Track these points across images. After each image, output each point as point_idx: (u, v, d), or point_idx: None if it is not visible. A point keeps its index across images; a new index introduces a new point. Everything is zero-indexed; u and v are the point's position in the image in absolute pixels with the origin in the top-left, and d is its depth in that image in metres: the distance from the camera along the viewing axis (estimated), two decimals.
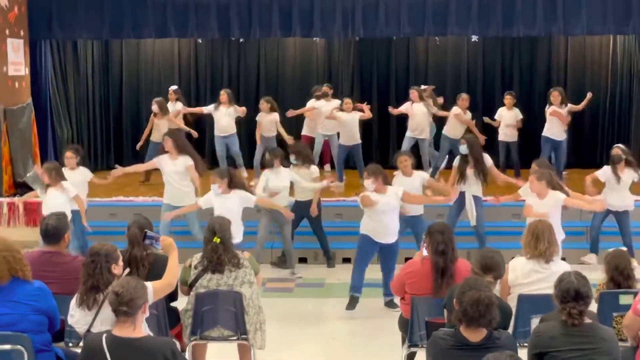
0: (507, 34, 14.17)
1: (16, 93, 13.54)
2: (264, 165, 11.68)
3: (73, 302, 5.48)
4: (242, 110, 13.96)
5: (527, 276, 6.55)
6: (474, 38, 15.23)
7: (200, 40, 16.70)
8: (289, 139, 13.85)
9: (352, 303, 9.36)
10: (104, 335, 4.80)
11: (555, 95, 13.86)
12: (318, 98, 14.74)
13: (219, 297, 6.55)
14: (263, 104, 14.06)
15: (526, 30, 13.85)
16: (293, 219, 10.72)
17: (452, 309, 5.02)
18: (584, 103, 14.42)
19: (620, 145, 11.64)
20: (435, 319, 6.23)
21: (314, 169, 11.26)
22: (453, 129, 13.91)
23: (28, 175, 13.25)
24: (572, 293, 4.91)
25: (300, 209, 11.07)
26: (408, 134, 14.18)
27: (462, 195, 10.87)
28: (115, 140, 17.22)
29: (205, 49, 17.23)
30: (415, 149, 13.98)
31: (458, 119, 13.86)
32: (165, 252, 6.12)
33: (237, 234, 8.85)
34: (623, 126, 16.59)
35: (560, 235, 8.37)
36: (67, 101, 15.53)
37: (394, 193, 9.14)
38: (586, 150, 16.76)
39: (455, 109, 13.94)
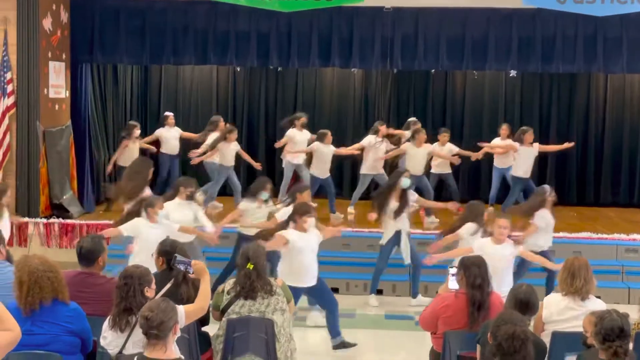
0: (546, 70, 14.15)
1: (56, 115, 13.70)
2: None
3: (106, 324, 5.50)
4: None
5: (561, 313, 6.46)
6: (512, 73, 15.20)
7: (238, 68, 16.82)
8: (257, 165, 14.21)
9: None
10: (135, 357, 4.80)
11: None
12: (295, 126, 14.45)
13: (251, 323, 6.53)
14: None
15: (566, 66, 13.81)
16: None
17: (487, 344, 4.96)
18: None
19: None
20: (468, 353, 6.15)
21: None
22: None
23: (64, 197, 13.41)
24: (616, 331, 4.83)
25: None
26: None
27: (397, 233, 10.75)
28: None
29: (244, 77, 17.34)
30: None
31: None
32: (197, 276, 6.11)
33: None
34: None
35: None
36: (106, 125, 15.69)
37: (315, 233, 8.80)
38: (624, 190, 16.55)
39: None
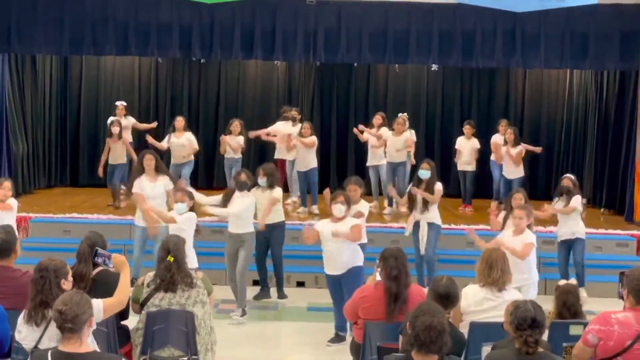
0: (466, 64, 14.30)
1: None
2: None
3: (21, 318, 5.39)
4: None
5: (479, 304, 6.56)
6: (434, 67, 15.37)
7: (160, 60, 16.66)
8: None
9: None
10: (50, 352, 4.72)
11: (509, 133, 14.09)
12: (285, 120, 14.49)
13: (171, 316, 6.49)
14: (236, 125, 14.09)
15: (485, 61, 14.00)
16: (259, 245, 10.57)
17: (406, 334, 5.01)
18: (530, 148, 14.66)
19: (569, 175, 11.67)
20: (387, 344, 6.19)
21: (277, 191, 10.61)
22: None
23: None
24: (529, 321, 4.92)
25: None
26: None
27: (417, 223, 10.83)
28: (71, 157, 17.10)
29: (166, 69, 17.20)
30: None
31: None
32: (117, 269, 6.04)
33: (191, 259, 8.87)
34: (577, 158, 16.84)
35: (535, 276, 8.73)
36: (24, 116, 15.35)
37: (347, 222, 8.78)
38: (541, 182, 16.91)
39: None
